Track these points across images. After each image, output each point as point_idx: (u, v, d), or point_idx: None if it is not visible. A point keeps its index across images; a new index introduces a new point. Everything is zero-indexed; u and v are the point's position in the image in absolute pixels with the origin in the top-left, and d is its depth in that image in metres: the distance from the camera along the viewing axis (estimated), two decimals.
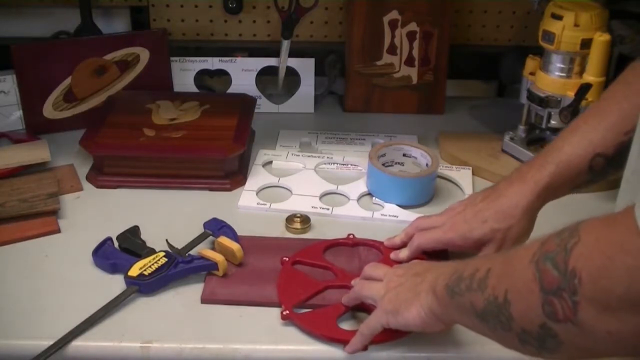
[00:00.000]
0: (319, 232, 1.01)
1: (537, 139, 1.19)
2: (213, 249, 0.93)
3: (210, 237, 0.96)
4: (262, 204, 1.06)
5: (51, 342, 0.79)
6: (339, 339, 0.80)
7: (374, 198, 1.08)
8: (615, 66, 1.15)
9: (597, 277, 0.50)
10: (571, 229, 0.54)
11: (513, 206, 0.85)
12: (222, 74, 1.34)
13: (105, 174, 1.11)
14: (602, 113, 0.81)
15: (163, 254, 0.91)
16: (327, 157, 1.18)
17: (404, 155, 1.13)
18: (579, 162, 0.81)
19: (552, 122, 1.11)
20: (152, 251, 0.92)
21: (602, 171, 0.81)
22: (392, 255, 0.93)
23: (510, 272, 0.59)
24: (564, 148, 0.83)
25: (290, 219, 1.01)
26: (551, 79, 1.10)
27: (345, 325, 0.83)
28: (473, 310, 0.63)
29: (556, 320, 0.53)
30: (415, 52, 1.31)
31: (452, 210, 0.91)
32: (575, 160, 0.82)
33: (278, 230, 1.01)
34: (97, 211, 1.04)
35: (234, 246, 0.91)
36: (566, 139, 0.83)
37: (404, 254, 0.92)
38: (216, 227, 0.97)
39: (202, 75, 1.35)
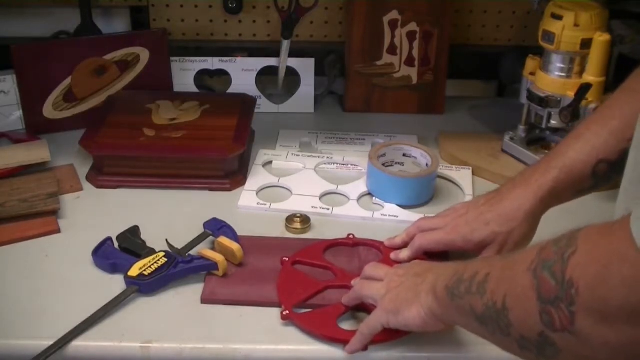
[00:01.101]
0: (319, 232, 1.01)
1: (537, 139, 1.19)
2: (213, 249, 0.93)
3: (210, 237, 0.96)
4: (262, 204, 1.06)
5: (51, 342, 0.79)
6: (339, 339, 0.80)
7: (374, 198, 1.08)
8: (615, 66, 1.15)
9: (594, 287, 0.50)
10: (569, 236, 0.54)
11: (515, 209, 0.85)
12: (222, 74, 1.34)
13: (105, 174, 1.11)
14: (605, 119, 0.81)
15: (163, 254, 0.91)
16: (327, 157, 1.18)
17: (404, 155, 1.13)
18: (583, 167, 0.82)
19: (552, 122, 1.11)
20: (152, 251, 0.92)
21: (606, 177, 0.81)
22: (393, 255, 0.93)
23: (509, 278, 0.59)
24: (567, 153, 0.83)
25: (290, 219, 1.01)
26: (551, 79, 1.10)
27: (345, 325, 0.83)
28: (472, 313, 0.63)
29: (554, 329, 0.53)
30: (415, 52, 1.31)
31: (455, 212, 0.91)
32: (579, 165, 0.82)
33: (278, 230, 1.01)
34: (97, 211, 1.04)
35: (234, 246, 0.91)
36: (570, 145, 0.83)
37: (404, 254, 0.92)
38: (216, 227, 0.97)
39: (202, 75, 1.35)
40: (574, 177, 0.82)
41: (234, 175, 1.11)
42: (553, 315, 0.53)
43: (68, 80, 1.22)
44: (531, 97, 1.13)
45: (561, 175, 0.83)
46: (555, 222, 0.62)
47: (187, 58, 1.31)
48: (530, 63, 1.15)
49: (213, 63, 1.32)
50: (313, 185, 1.11)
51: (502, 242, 0.85)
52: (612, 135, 0.80)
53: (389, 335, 0.79)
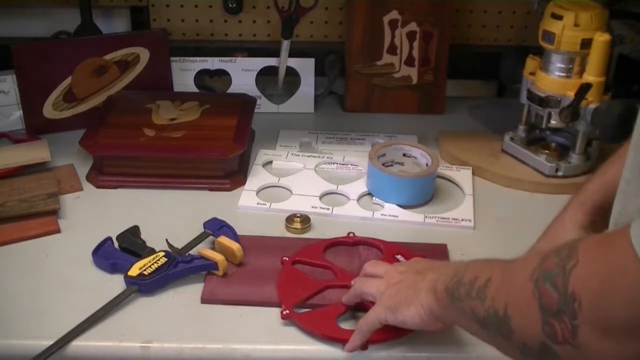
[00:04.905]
0: (319, 232, 1.01)
1: (537, 139, 1.19)
2: (213, 248, 0.93)
3: (210, 237, 0.96)
4: (262, 204, 1.06)
5: (51, 342, 0.79)
6: (339, 339, 0.80)
7: (374, 198, 1.08)
8: (615, 66, 1.15)
9: (596, 302, 0.49)
10: (570, 247, 0.53)
11: (562, 228, 0.78)
12: (222, 74, 1.34)
13: (105, 174, 1.11)
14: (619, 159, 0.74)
15: (163, 253, 0.91)
16: (327, 157, 1.18)
17: (404, 155, 1.13)
18: (614, 186, 0.72)
19: (552, 122, 1.11)
20: (152, 251, 0.92)
21: None
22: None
23: (509, 285, 0.59)
24: (590, 184, 0.77)
25: (290, 219, 1.01)
26: (551, 79, 1.10)
27: (345, 325, 0.83)
28: (474, 317, 0.63)
29: (556, 341, 0.53)
30: (415, 52, 1.31)
31: None
32: (611, 185, 0.72)
33: (278, 230, 1.01)
34: (97, 211, 1.04)
35: (234, 246, 0.91)
36: (590, 180, 0.78)
37: None
38: (216, 227, 0.97)
39: (202, 75, 1.35)
40: (612, 190, 0.72)
41: (234, 175, 1.11)
42: (555, 327, 0.52)
43: (68, 80, 1.22)
44: (531, 97, 1.13)
45: (595, 195, 0.76)
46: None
47: (187, 58, 1.31)
48: (530, 63, 1.15)
49: (213, 63, 1.32)
50: (313, 185, 1.11)
51: None
52: None
53: (389, 335, 0.79)
